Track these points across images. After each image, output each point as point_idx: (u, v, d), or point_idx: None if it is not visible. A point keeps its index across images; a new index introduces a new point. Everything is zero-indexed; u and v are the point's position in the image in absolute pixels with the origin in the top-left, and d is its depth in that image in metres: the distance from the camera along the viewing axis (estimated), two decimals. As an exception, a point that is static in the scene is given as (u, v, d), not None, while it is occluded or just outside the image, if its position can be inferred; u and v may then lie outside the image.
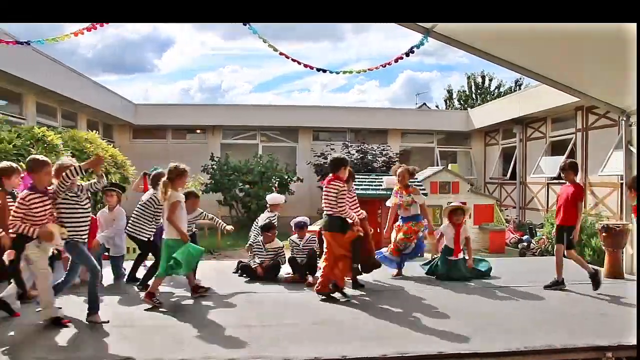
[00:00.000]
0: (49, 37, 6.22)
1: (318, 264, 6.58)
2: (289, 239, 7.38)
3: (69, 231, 4.85)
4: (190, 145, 20.00)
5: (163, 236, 5.66)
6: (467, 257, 7.23)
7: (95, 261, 5.10)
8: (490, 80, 33.38)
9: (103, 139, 11.39)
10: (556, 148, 15.58)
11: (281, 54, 6.33)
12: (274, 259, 7.05)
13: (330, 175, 6.09)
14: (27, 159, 5.05)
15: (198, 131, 20.45)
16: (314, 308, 5.63)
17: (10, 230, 4.76)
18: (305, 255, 7.02)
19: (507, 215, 16.18)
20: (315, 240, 7.22)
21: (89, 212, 5.11)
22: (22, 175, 5.78)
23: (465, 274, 7.10)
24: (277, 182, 16.75)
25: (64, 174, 4.76)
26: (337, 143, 18.43)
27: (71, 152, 8.77)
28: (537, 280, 6.73)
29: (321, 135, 20.57)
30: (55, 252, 5.88)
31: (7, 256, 4.91)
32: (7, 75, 10.22)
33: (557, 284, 6.44)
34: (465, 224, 7.42)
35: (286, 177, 17.03)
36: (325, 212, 6.08)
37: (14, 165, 5.71)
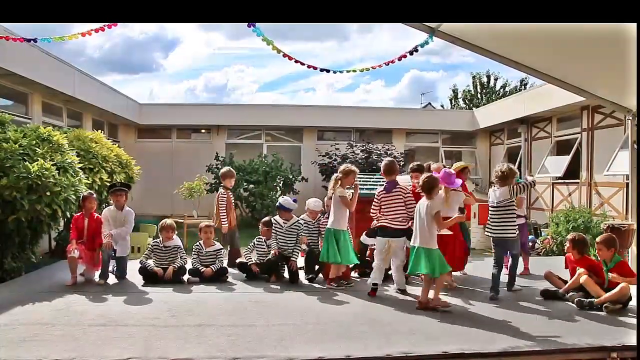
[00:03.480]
0: (56, 36, 6.26)
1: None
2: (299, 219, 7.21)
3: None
4: (195, 145, 20.03)
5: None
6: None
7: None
8: (496, 79, 33.37)
9: (108, 139, 11.40)
10: (561, 148, 15.51)
11: (285, 55, 6.25)
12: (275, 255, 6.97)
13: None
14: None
15: (203, 131, 20.45)
16: (317, 308, 5.64)
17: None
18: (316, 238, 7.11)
19: (512, 215, 16.06)
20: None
21: None
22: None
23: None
24: (281, 182, 16.77)
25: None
26: (341, 143, 18.43)
27: (76, 152, 8.80)
28: (541, 280, 6.71)
29: (326, 135, 20.55)
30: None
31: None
32: (13, 76, 10.26)
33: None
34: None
35: (291, 176, 17.05)
36: None
37: (233, 170, 7.16)
